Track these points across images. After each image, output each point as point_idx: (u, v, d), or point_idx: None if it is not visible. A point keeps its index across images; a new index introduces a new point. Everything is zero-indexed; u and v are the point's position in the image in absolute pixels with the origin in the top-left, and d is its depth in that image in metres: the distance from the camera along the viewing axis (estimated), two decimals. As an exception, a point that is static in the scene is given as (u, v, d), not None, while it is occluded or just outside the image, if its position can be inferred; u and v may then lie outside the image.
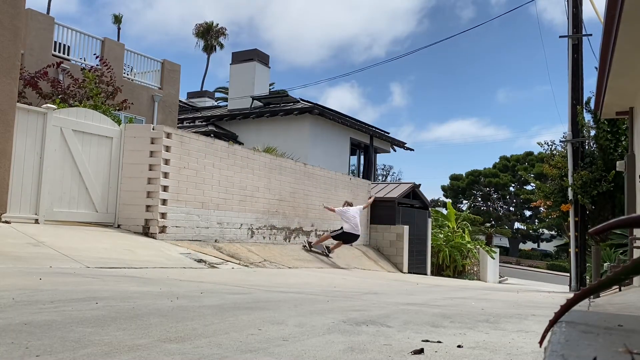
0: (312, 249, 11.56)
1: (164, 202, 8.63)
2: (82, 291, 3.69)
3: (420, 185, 16.35)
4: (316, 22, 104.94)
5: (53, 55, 13.96)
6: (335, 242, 11.71)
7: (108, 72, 12.87)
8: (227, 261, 8.27)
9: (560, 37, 13.27)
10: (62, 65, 13.41)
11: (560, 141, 13.82)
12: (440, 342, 2.54)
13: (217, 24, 43.64)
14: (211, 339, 2.31)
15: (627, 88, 7.67)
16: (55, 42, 14.28)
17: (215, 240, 9.57)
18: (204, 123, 20.32)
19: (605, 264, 8.56)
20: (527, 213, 48.02)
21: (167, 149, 8.74)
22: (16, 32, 7.57)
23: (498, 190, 48.28)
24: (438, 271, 15.98)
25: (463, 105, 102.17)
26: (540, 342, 1.10)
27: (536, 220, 46.42)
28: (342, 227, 11.63)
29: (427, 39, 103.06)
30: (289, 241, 11.65)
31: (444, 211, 19.29)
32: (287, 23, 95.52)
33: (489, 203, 48.91)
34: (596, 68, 8.20)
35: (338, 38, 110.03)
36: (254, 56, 21.48)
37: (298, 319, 3.05)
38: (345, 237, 11.61)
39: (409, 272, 13.78)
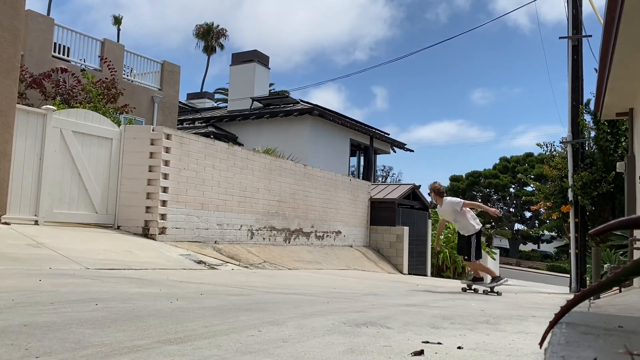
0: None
1: (164, 203, 8.62)
2: (82, 292, 3.69)
3: (420, 186, 16.35)
4: (295, 25, 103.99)
5: (53, 56, 13.96)
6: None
7: (112, 74, 12.87)
8: (227, 262, 8.27)
9: (560, 38, 13.26)
10: (67, 70, 13.40)
11: (560, 142, 13.82)
12: (440, 343, 2.54)
13: (218, 25, 43.69)
14: (211, 340, 2.31)
15: (627, 89, 7.67)
16: (55, 44, 14.29)
17: (215, 242, 9.56)
18: (203, 124, 20.31)
19: (605, 265, 8.54)
20: (527, 214, 47.99)
21: (167, 150, 8.74)
22: (16, 33, 7.57)
23: (498, 192, 48.26)
24: (438, 272, 15.96)
25: (461, 105, 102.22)
26: (541, 344, 1.10)
27: (536, 222, 46.40)
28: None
29: (419, 39, 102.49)
30: (289, 242, 11.64)
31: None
32: (266, 26, 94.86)
33: (489, 204, 48.88)
34: (596, 69, 8.20)
35: (319, 41, 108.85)
36: (254, 57, 21.49)
37: (298, 321, 3.05)
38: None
39: (409, 274, 13.77)
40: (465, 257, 7.82)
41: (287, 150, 15.78)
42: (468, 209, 7.80)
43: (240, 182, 10.30)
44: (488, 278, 8.09)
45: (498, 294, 7.54)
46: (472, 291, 7.80)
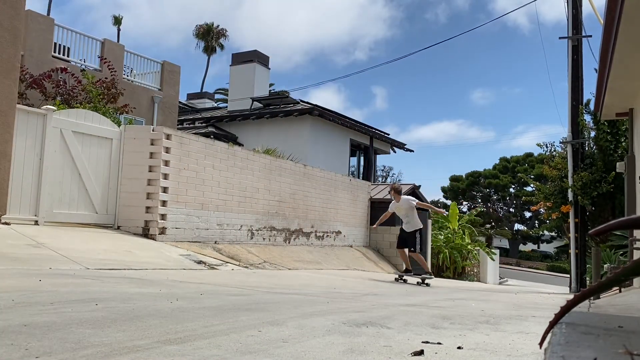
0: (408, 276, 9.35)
1: (164, 203, 8.62)
2: (82, 292, 3.69)
3: (420, 186, 16.37)
4: (295, 25, 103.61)
5: (53, 56, 13.95)
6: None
7: (112, 75, 12.85)
8: (227, 262, 8.27)
9: (560, 38, 13.27)
10: (67, 71, 13.41)
11: (560, 142, 13.83)
12: (440, 343, 2.54)
13: (218, 25, 43.69)
14: (211, 340, 2.31)
15: (627, 89, 7.67)
16: (55, 44, 14.28)
17: (215, 242, 9.56)
18: (203, 124, 20.32)
19: (605, 265, 8.54)
20: (527, 214, 47.98)
21: (167, 150, 8.74)
22: (16, 33, 7.57)
23: (498, 192, 48.24)
24: (438, 272, 15.96)
25: (461, 105, 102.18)
26: (541, 344, 1.10)
27: (536, 222, 46.38)
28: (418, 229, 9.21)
29: (419, 39, 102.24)
30: (289, 242, 11.64)
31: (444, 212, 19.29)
32: (266, 26, 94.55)
33: (489, 204, 48.87)
34: (596, 69, 8.21)
35: (319, 41, 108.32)
36: (254, 57, 21.49)
37: (298, 321, 3.05)
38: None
39: (409, 274, 13.75)
40: (412, 249, 9.11)
41: (287, 150, 15.78)
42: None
43: (240, 182, 10.30)
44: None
45: (428, 285, 8.91)
46: (403, 281, 9.19)
